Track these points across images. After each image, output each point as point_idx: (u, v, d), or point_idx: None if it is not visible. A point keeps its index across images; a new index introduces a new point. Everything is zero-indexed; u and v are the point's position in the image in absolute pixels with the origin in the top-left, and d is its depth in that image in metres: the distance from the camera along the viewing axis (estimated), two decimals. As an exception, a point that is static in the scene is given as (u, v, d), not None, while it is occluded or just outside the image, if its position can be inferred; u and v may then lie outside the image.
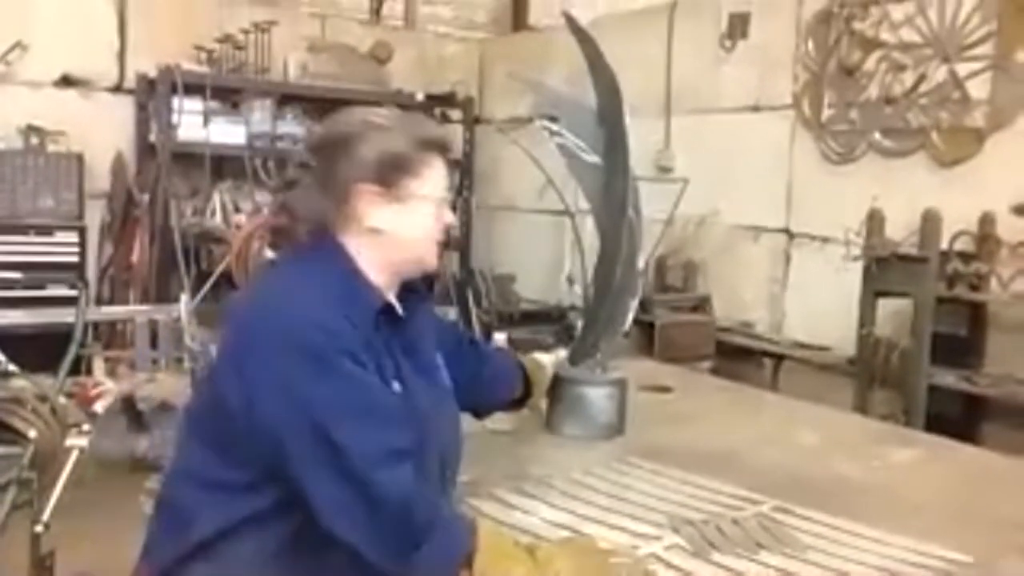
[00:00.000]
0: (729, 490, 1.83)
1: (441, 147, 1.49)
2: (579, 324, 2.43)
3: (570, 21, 2.32)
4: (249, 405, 1.26)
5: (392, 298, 1.46)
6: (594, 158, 2.26)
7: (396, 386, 1.37)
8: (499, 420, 2.12)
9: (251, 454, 1.28)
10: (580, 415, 2.23)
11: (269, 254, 1.47)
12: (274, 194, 1.48)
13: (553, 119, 2.35)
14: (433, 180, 1.46)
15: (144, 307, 4.13)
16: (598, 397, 2.24)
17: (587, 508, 1.73)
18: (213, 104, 5.14)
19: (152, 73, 5.12)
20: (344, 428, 1.23)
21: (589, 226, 2.40)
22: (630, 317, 2.36)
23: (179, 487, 1.37)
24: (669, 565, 1.49)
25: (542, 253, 5.85)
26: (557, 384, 2.23)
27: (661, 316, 4.52)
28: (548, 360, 2.24)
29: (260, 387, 1.26)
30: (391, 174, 1.41)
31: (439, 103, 6.03)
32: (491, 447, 2.04)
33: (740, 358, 4.62)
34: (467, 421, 1.73)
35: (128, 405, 2.02)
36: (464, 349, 1.85)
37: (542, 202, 5.89)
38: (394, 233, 1.42)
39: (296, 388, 1.24)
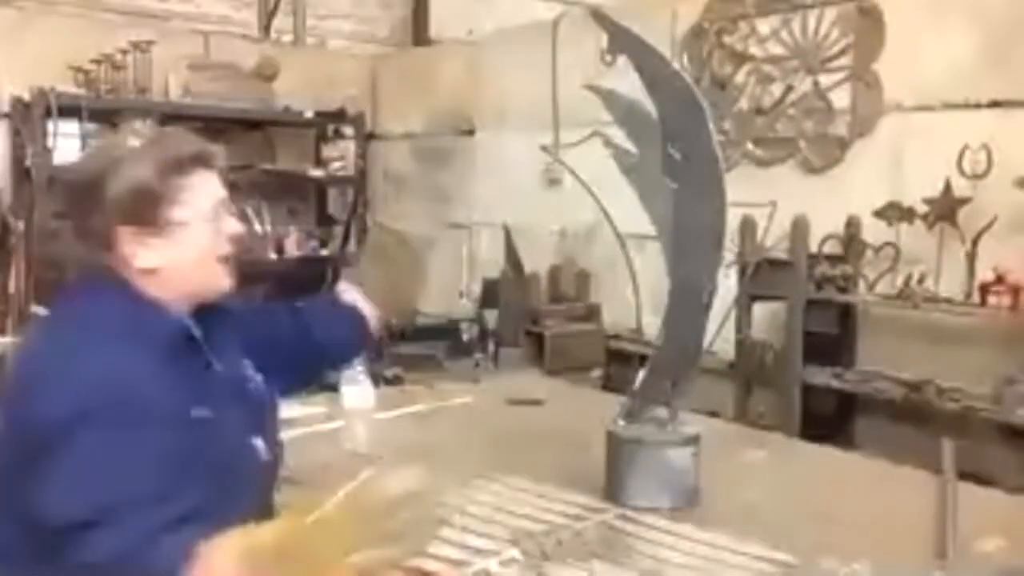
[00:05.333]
0: (576, 499, 1.87)
1: (196, 161, 1.37)
2: (641, 372, 2.04)
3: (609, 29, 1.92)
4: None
5: (188, 320, 1.40)
6: (667, 180, 1.90)
7: (203, 412, 1.34)
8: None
9: None
10: (660, 481, 1.84)
11: (39, 310, 1.43)
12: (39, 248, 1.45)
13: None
14: (195, 201, 1.36)
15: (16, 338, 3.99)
16: (681, 458, 1.84)
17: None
18: (91, 126, 4.99)
19: (27, 96, 4.98)
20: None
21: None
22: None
23: None
24: (499, 580, 1.52)
25: (440, 267, 5.85)
26: (620, 448, 1.90)
27: (551, 326, 4.58)
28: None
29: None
30: (146, 209, 1.32)
31: (330, 119, 6.00)
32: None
33: (630, 364, 4.70)
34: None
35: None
36: (282, 327, 1.72)
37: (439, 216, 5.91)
38: (170, 268, 1.35)
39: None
